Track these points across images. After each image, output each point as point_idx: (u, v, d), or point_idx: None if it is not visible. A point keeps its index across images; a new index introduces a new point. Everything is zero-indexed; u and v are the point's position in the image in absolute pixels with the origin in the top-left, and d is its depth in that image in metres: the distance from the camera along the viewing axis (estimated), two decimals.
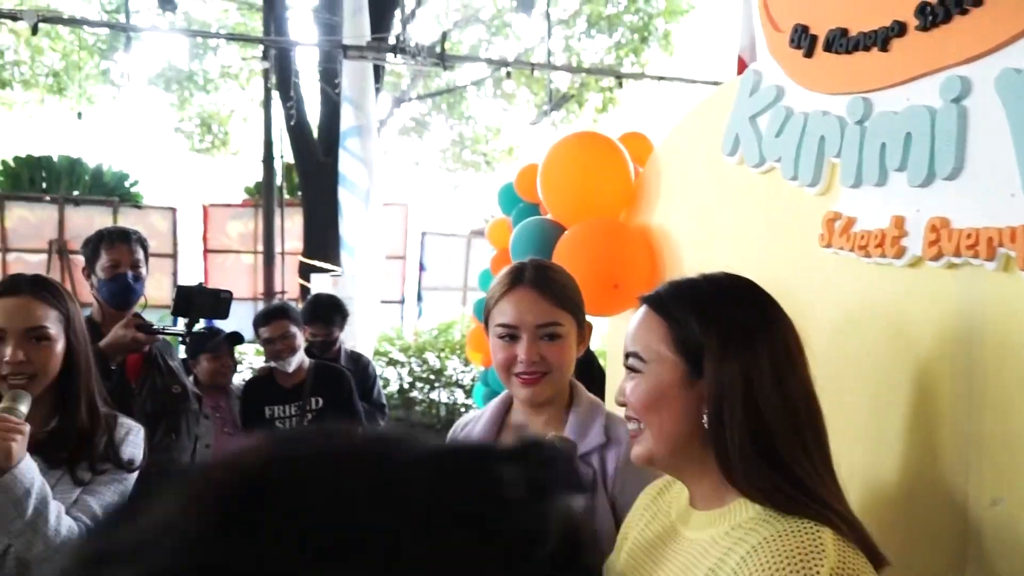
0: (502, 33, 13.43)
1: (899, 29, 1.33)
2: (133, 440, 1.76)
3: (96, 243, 2.70)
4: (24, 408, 1.55)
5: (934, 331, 1.28)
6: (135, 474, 1.75)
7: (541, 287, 1.50)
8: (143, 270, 2.71)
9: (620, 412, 1.41)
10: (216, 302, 2.72)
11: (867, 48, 1.40)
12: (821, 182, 1.52)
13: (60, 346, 1.68)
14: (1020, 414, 1.12)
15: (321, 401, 3.56)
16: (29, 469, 1.50)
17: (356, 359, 4.49)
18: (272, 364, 3.59)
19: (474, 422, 1.66)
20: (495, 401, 1.66)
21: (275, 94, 8.62)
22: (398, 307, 11.15)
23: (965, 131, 1.20)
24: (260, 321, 3.59)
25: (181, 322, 2.79)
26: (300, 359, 3.58)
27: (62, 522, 1.54)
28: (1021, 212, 1.10)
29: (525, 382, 1.49)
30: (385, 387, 7.90)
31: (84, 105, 12.12)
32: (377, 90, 9.18)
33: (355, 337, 6.74)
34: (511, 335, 1.49)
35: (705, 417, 1.04)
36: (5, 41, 11.82)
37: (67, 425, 1.68)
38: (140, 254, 2.71)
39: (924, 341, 1.29)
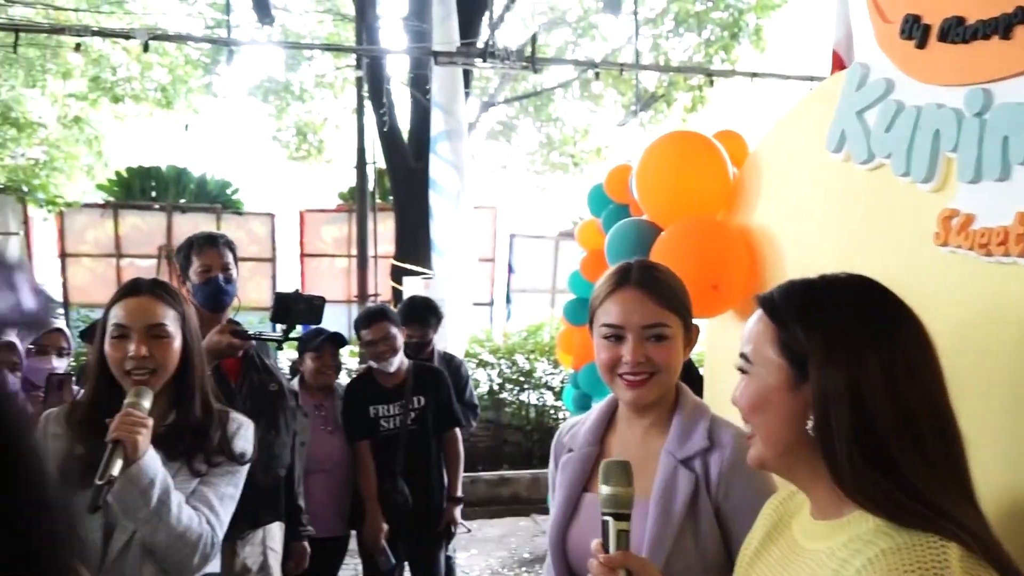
0: (589, 35, 13.38)
1: (1023, 15, 1.26)
2: (244, 435, 1.84)
3: (187, 250, 2.80)
4: (147, 403, 1.64)
5: None
6: (247, 466, 1.83)
7: (647, 287, 1.48)
8: (233, 272, 2.80)
9: (728, 415, 1.39)
10: (310, 308, 2.80)
11: (986, 36, 1.34)
12: (936, 178, 1.46)
13: (178, 343, 1.77)
14: None
15: (423, 400, 3.63)
16: (153, 460, 1.60)
17: (449, 360, 4.56)
18: (372, 364, 3.67)
19: (580, 424, 1.66)
20: (602, 403, 1.66)
21: (367, 102, 8.86)
22: (487, 309, 11.26)
23: None
24: (361, 323, 3.68)
25: (278, 327, 2.88)
26: (400, 360, 3.65)
27: (183, 511, 1.63)
28: None
29: (630, 384, 1.48)
30: (476, 388, 8.00)
31: (190, 117, 12.74)
32: (466, 95, 9.31)
33: (447, 339, 6.84)
34: (616, 335, 1.48)
35: (810, 423, 1.01)
36: (118, 59, 12.54)
37: (184, 420, 1.77)
38: (229, 257, 2.79)
39: None
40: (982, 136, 1.34)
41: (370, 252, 9.30)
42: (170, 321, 1.76)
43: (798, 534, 1.12)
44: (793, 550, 1.10)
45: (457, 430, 3.85)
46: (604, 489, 1.17)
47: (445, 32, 6.90)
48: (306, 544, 3.16)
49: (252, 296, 11.41)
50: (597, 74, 6.29)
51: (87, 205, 10.84)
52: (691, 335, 1.54)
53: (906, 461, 0.96)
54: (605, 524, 1.19)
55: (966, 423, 1.36)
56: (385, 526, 3.51)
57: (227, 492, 1.77)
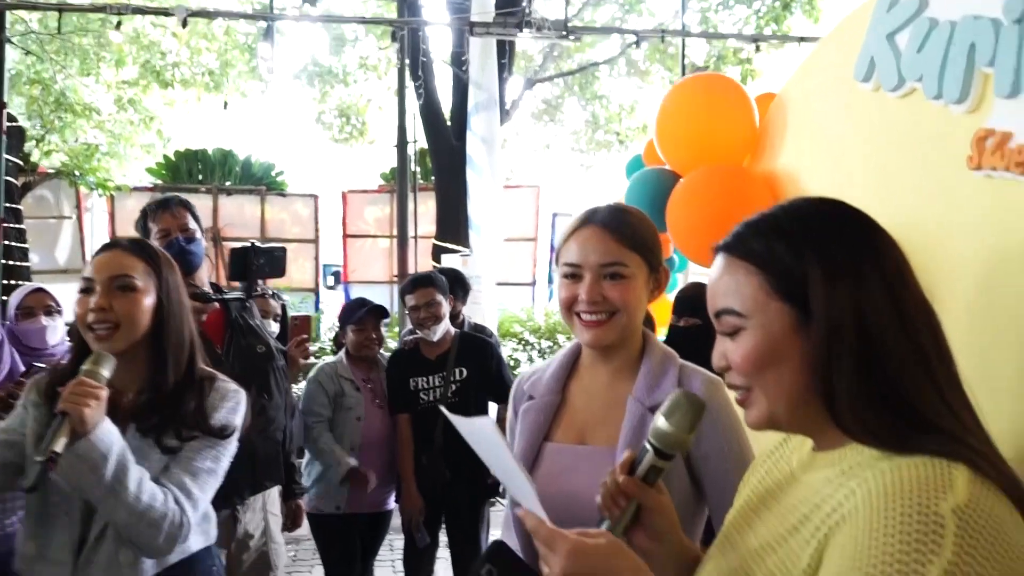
0: (636, 10, 13.14)
1: None
2: (230, 406, 1.70)
3: (143, 220, 2.68)
4: (106, 372, 1.51)
5: None
6: (232, 440, 1.69)
7: (609, 226, 1.42)
8: (196, 232, 2.66)
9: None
10: (271, 260, 2.68)
11: None
12: (971, 97, 1.33)
13: (149, 301, 1.64)
14: None
15: (465, 372, 3.55)
16: (107, 434, 1.47)
17: (480, 331, 4.50)
18: (418, 335, 3.61)
19: (542, 371, 1.59)
20: (564, 349, 1.59)
21: (408, 81, 8.84)
22: (529, 289, 11.20)
23: None
24: (407, 288, 3.61)
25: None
26: (445, 328, 3.57)
27: (144, 489, 1.51)
28: None
29: (587, 324, 1.42)
30: (517, 367, 7.96)
31: (236, 100, 12.92)
32: (508, 71, 9.23)
33: (483, 315, 6.81)
34: (574, 274, 1.43)
35: (815, 363, 0.90)
36: (168, 45, 12.75)
37: (156, 389, 1.64)
38: (187, 218, 2.65)
39: None
40: (1021, 44, 1.21)
41: (411, 232, 9.34)
42: (139, 275, 1.64)
43: (796, 467, 1.03)
44: (788, 482, 1.01)
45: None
46: (661, 421, 1.05)
47: (482, 3, 6.83)
48: (301, 503, 3.15)
49: (296, 277, 11.60)
50: (638, 43, 6.12)
51: (136, 188, 11.08)
52: (659, 278, 1.47)
53: (914, 386, 0.87)
54: (644, 450, 1.08)
55: (993, 365, 1.25)
56: (421, 503, 3.46)
57: (204, 467, 1.63)
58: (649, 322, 1.88)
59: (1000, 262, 1.26)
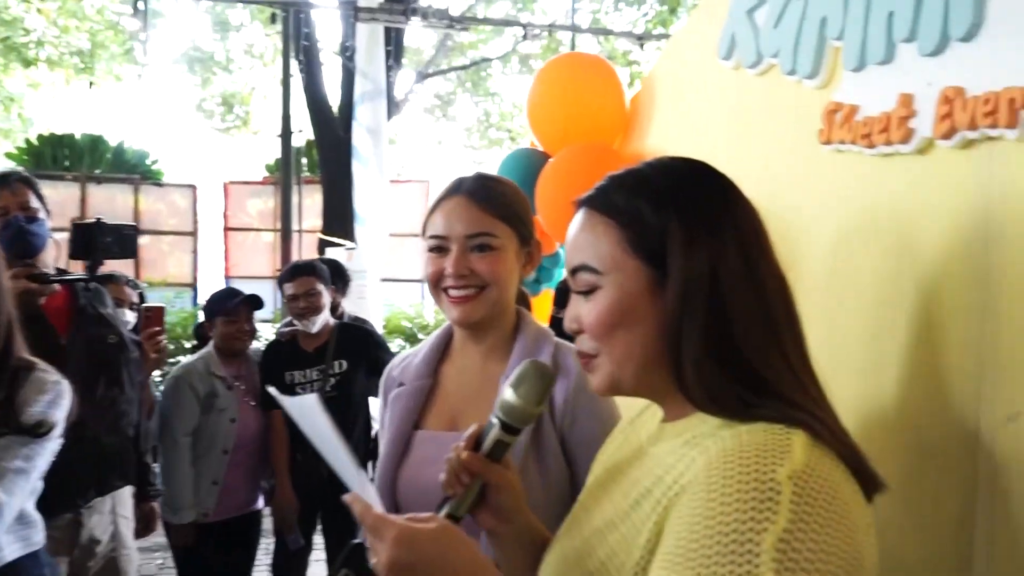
0: (528, 8, 13.22)
1: None
2: (48, 399, 1.56)
3: None
4: None
5: (945, 228, 1.10)
6: (50, 438, 1.55)
7: (475, 195, 1.35)
8: (40, 213, 2.40)
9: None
10: (121, 239, 2.45)
11: None
12: (822, 71, 1.34)
13: None
14: None
15: (345, 364, 3.42)
16: None
17: (360, 324, 4.37)
18: (296, 327, 3.45)
19: (413, 356, 1.51)
20: (436, 332, 1.52)
21: (295, 70, 8.56)
22: (419, 285, 11.06)
23: None
24: (286, 276, 3.46)
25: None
26: (325, 320, 3.45)
27: None
28: None
29: (455, 300, 1.34)
30: None
31: (110, 84, 12.18)
32: (396, 62, 9.08)
33: (368, 311, 6.66)
34: (440, 247, 1.35)
35: (665, 325, 0.86)
36: (33, 23, 11.89)
37: None
38: (29, 195, 2.40)
39: (933, 242, 1.11)
40: (867, 16, 1.22)
41: (295, 226, 9.07)
42: None
43: (645, 440, 0.99)
44: (637, 455, 0.98)
45: None
46: (508, 393, 0.98)
47: None
48: (155, 506, 2.94)
49: (172, 271, 11.04)
50: (525, 35, 6.12)
51: None
52: (532, 251, 1.42)
53: (760, 352, 0.84)
54: (490, 424, 1.01)
55: (838, 335, 1.26)
56: (296, 503, 3.33)
57: (12, 467, 1.47)
58: (523, 299, 1.83)
59: (845, 235, 1.27)
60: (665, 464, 0.86)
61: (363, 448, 3.55)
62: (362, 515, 0.91)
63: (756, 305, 0.85)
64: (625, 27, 12.09)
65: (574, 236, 0.94)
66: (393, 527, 0.88)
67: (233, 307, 3.36)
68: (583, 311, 0.91)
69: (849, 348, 1.23)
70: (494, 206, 1.35)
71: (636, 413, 1.13)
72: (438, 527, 0.90)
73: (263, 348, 3.62)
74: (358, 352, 3.48)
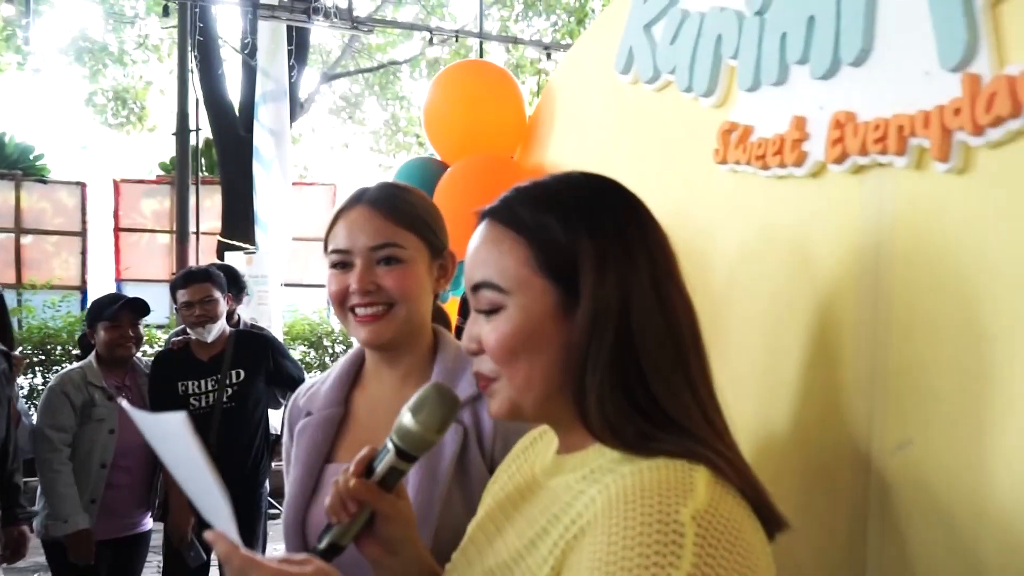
0: (437, 13, 13.12)
1: None
2: None
3: None
4: None
5: (838, 252, 1.09)
6: None
7: (379, 204, 1.25)
8: None
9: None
10: None
11: None
12: (718, 90, 1.32)
13: None
14: (932, 338, 0.93)
15: (243, 373, 3.31)
16: None
17: (258, 332, 4.20)
18: (190, 336, 3.30)
19: (320, 383, 1.40)
20: (346, 356, 1.41)
21: (193, 63, 8.20)
22: (324, 291, 10.79)
23: (875, 3, 1.01)
24: (179, 283, 3.29)
25: None
26: (221, 328, 3.32)
27: None
28: (936, 92, 0.91)
29: (362, 320, 1.24)
30: (309, 372, 7.58)
31: None
32: (300, 61, 8.82)
33: (270, 318, 6.43)
34: (344, 262, 1.24)
35: (571, 351, 0.81)
36: None
37: None
38: None
39: (827, 266, 1.10)
40: (761, 37, 1.21)
41: (192, 227, 8.66)
42: None
43: (539, 472, 0.94)
44: (531, 488, 0.92)
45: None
46: (406, 417, 0.89)
47: None
48: (25, 529, 2.72)
49: (58, 273, 10.40)
50: (431, 40, 6.04)
51: None
52: (445, 263, 1.33)
53: (666, 384, 0.80)
54: (384, 450, 0.92)
55: (732, 359, 1.24)
56: (193, 518, 3.16)
57: None
58: (441, 317, 1.74)
59: (741, 256, 1.26)
60: (562, 501, 0.81)
61: (263, 459, 3.44)
62: (227, 556, 0.82)
63: (665, 334, 0.81)
64: (533, 36, 12.16)
65: (475, 249, 0.87)
66: (264, 570, 0.80)
67: (115, 312, 3.17)
68: (484, 331, 0.85)
69: (744, 370, 1.21)
70: (400, 215, 1.25)
71: (528, 441, 1.07)
72: (316, 571, 0.83)
73: (153, 357, 3.45)
74: (256, 361, 3.38)
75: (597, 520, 0.72)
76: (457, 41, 5.71)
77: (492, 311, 0.84)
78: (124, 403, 0.99)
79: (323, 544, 0.94)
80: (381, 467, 0.93)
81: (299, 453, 1.33)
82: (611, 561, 0.67)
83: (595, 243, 0.81)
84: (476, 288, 0.86)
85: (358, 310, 1.24)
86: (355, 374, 1.37)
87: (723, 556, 0.67)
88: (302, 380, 3.64)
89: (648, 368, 0.79)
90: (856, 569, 1.02)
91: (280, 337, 6.69)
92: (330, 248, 1.27)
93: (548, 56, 5.87)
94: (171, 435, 0.88)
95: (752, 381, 1.20)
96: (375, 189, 1.30)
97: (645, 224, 0.87)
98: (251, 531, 3.39)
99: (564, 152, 1.88)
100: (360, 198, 1.28)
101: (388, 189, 1.30)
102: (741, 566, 0.68)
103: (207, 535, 0.85)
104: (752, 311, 1.22)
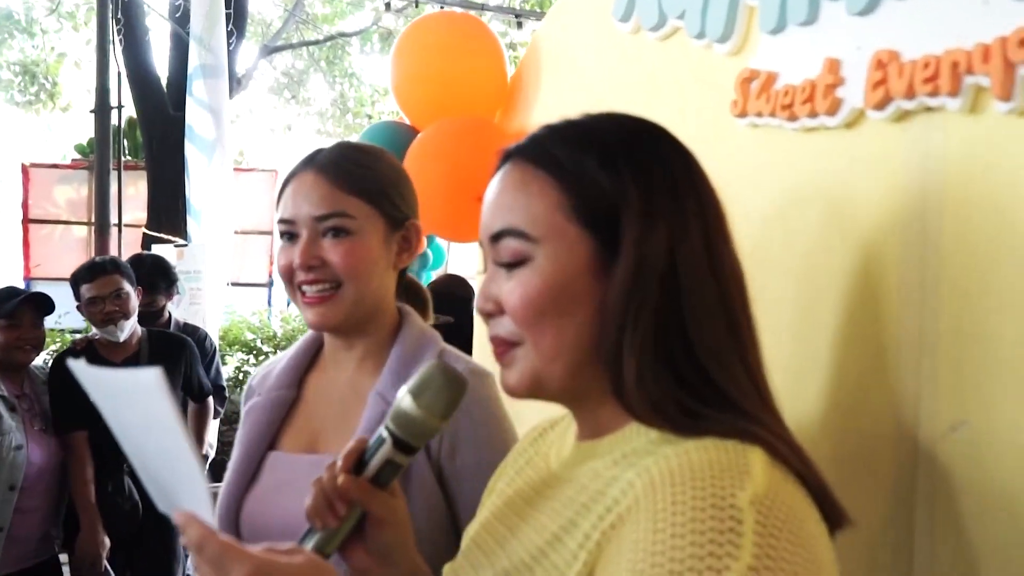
0: None
1: None
2: None
3: None
4: None
5: (877, 211, 1.06)
6: None
7: (328, 170, 1.23)
8: None
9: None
10: None
11: None
12: (735, 35, 1.30)
13: None
14: (990, 303, 0.91)
15: None
16: None
17: (192, 331, 4.12)
18: (95, 335, 3.24)
19: (275, 364, 1.39)
20: (306, 335, 1.40)
21: (115, 35, 8.03)
22: (264, 291, 10.66)
23: None
24: (83, 276, 3.21)
25: None
26: (133, 326, 3.28)
27: None
28: (998, 21, 0.89)
29: (308, 301, 1.23)
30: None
31: None
32: (239, 32, 8.69)
33: (204, 318, 6.30)
34: (290, 233, 1.24)
35: (608, 314, 0.78)
36: None
37: None
38: None
39: (864, 226, 1.08)
40: None
41: (113, 218, 8.49)
42: None
43: (556, 463, 0.90)
44: (547, 482, 0.88)
45: (210, 401, 3.58)
46: (406, 401, 0.84)
47: None
48: None
49: None
50: (388, 6, 5.99)
51: None
52: (408, 235, 1.30)
53: (717, 354, 0.77)
54: (380, 439, 0.87)
55: (769, 318, 1.21)
56: (107, 541, 3.11)
57: None
58: (416, 294, 1.69)
59: (764, 219, 1.23)
60: (592, 490, 0.77)
61: None
62: (200, 542, 0.76)
63: (716, 298, 0.79)
64: (503, 3, 12.15)
65: (497, 194, 0.84)
66: (246, 560, 0.74)
67: (12, 309, 3.02)
68: (505, 288, 0.81)
69: (772, 346, 1.18)
70: (350, 181, 1.23)
71: (536, 434, 1.04)
72: (307, 562, 0.78)
73: (50, 362, 3.38)
74: (175, 365, 3.38)
75: (639, 506, 0.68)
76: (417, 7, 5.66)
77: (516, 264, 0.80)
78: (73, 361, 0.92)
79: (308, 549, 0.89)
80: (375, 461, 0.87)
81: (241, 436, 1.32)
82: (658, 551, 0.63)
83: (641, 188, 0.78)
84: (497, 237, 0.82)
85: (305, 288, 1.23)
86: (312, 355, 1.36)
87: (786, 548, 0.64)
88: (210, 393, 3.59)
89: (696, 336, 0.76)
90: (901, 569, 1.00)
91: (216, 341, 6.57)
92: (277, 217, 1.27)
93: (519, 25, 5.85)
94: (133, 397, 0.82)
95: (781, 358, 1.17)
96: (329, 150, 1.29)
97: (696, 174, 0.85)
98: (170, 551, 3.35)
99: (553, 113, 1.83)
100: (310, 161, 1.27)
101: (342, 151, 1.28)
102: (805, 560, 0.65)
103: (176, 518, 0.78)
104: (780, 281, 1.19)
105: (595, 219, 0.79)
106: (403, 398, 0.86)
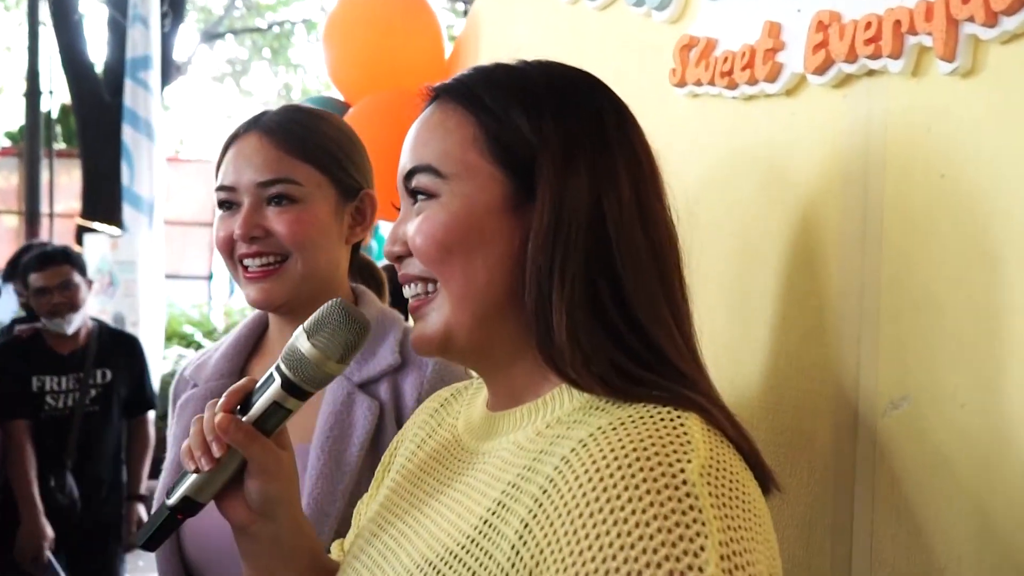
0: None
1: None
2: None
3: None
4: None
5: (816, 179, 1.03)
6: None
7: (273, 132, 1.16)
8: None
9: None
10: None
11: None
12: (674, 2, 1.26)
13: None
14: (932, 278, 0.88)
15: (109, 374, 3.24)
16: None
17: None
18: (40, 324, 3.19)
19: (210, 353, 1.31)
20: (246, 319, 1.33)
21: (45, 17, 7.81)
22: (204, 283, 10.48)
23: None
24: (33, 265, 3.16)
25: None
26: (83, 319, 3.23)
27: None
28: None
29: (251, 277, 1.15)
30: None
31: None
32: (177, 16, 8.50)
33: (140, 311, 6.14)
34: (228, 201, 1.17)
35: (529, 261, 0.74)
36: None
37: None
38: None
39: (804, 193, 1.05)
40: None
41: (44, 207, 8.31)
42: None
43: (466, 436, 0.85)
44: (457, 457, 0.83)
45: (151, 414, 3.48)
46: (300, 339, 0.78)
47: None
48: None
49: None
50: None
51: None
52: (363, 206, 1.24)
53: (651, 308, 0.74)
54: (269, 379, 0.80)
55: (705, 293, 1.18)
56: (50, 532, 3.03)
57: None
58: (371, 274, 1.66)
59: (705, 188, 1.19)
60: (519, 466, 0.72)
61: (112, 476, 3.30)
62: None
63: (648, 253, 0.75)
64: None
65: (417, 131, 0.81)
66: None
67: None
68: (414, 225, 0.77)
69: (708, 318, 1.14)
70: (298, 144, 1.16)
71: (438, 402, 0.98)
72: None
73: None
74: (125, 361, 3.33)
75: (584, 491, 0.62)
76: None
77: (425, 200, 0.77)
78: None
79: (173, 499, 0.81)
80: (261, 401, 0.80)
81: (178, 432, 1.24)
82: (627, 544, 0.58)
83: (562, 134, 0.75)
84: (410, 175, 0.79)
85: (247, 262, 1.15)
86: (255, 341, 1.30)
87: (739, 511, 0.62)
88: (153, 405, 3.49)
89: (629, 288, 0.73)
90: (841, 548, 0.97)
91: (160, 338, 6.41)
92: (217, 184, 1.19)
93: (464, 13, 5.77)
94: None
95: (717, 329, 1.13)
96: (275, 112, 1.22)
97: (631, 128, 0.81)
98: (112, 552, 3.31)
99: None
100: (255, 123, 1.19)
101: (289, 113, 1.21)
102: (755, 524, 0.63)
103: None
104: (717, 250, 1.16)
105: (511, 159, 0.76)
106: (298, 336, 0.80)
